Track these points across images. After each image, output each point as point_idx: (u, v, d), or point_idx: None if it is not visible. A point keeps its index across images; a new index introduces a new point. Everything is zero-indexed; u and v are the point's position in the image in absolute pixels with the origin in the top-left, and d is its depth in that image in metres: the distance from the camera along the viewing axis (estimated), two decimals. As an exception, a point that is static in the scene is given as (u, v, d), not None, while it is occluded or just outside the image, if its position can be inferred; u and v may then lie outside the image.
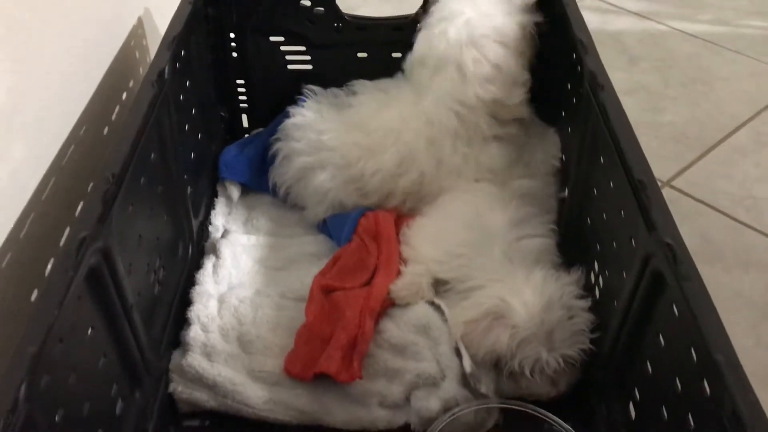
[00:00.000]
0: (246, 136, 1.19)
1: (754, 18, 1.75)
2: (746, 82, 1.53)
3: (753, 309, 1.04)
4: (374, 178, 1.02)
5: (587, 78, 0.86)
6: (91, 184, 0.69)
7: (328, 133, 1.04)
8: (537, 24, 0.99)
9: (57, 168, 0.84)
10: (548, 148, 1.04)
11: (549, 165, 1.03)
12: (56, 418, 0.58)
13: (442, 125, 0.99)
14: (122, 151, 0.73)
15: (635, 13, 1.78)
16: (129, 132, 0.75)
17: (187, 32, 0.95)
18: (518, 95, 0.99)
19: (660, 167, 1.29)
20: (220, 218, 1.07)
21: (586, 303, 0.84)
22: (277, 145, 1.08)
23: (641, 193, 0.69)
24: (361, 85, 1.10)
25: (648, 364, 0.69)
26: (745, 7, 1.80)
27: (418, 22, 1.06)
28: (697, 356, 0.58)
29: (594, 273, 0.87)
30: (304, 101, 1.09)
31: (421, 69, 1.01)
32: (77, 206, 0.88)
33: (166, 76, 0.85)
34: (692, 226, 1.17)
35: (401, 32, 1.09)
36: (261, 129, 1.17)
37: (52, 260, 0.82)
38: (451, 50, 0.96)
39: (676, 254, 0.62)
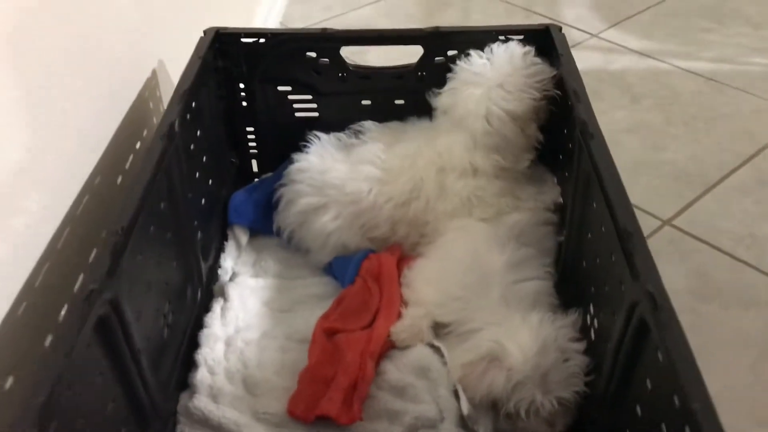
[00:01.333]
0: (255, 180, 1.23)
1: (757, 55, 1.78)
2: (748, 120, 1.55)
3: (752, 348, 1.05)
4: (387, 206, 1.07)
5: (578, 126, 0.89)
6: (103, 234, 0.73)
7: (332, 172, 1.09)
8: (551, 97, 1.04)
9: (72, 217, 0.88)
10: (545, 189, 1.07)
11: (544, 202, 1.06)
12: (65, 462, 0.61)
13: (453, 159, 1.06)
14: (131, 203, 0.77)
15: (638, 52, 1.81)
16: (139, 185, 0.80)
17: (197, 85, 0.99)
18: (525, 161, 1.06)
19: (661, 206, 1.31)
20: (229, 261, 1.11)
21: (581, 345, 0.86)
22: (281, 190, 1.13)
23: (627, 242, 0.71)
24: (369, 125, 1.15)
25: (637, 407, 0.71)
26: (748, 44, 1.83)
27: (420, 71, 1.12)
28: (679, 403, 0.60)
29: (590, 315, 0.89)
30: (309, 147, 1.13)
31: (444, 116, 1.08)
32: (91, 253, 0.92)
33: (176, 128, 0.90)
34: (692, 265, 1.19)
35: (402, 80, 1.14)
36: (270, 174, 1.21)
37: (65, 307, 0.85)
38: (469, 116, 1.03)
39: (656, 302, 0.64)
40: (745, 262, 1.19)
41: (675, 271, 1.15)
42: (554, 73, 1.03)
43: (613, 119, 1.53)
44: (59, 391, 0.59)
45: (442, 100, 1.08)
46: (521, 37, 1.09)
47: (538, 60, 1.04)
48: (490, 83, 1.02)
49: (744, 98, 1.62)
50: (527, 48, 1.04)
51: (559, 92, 1.02)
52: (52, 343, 0.63)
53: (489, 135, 1.03)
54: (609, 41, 1.86)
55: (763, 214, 1.29)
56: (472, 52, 1.05)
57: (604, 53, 1.81)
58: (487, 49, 1.05)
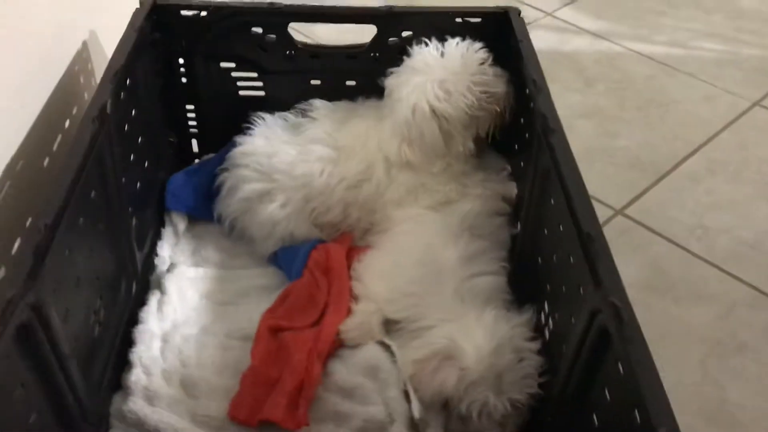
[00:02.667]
0: (196, 161, 1.16)
1: (708, 40, 1.78)
2: (700, 106, 1.55)
3: (701, 343, 1.05)
4: (339, 187, 1.02)
5: (539, 120, 0.85)
6: (23, 237, 0.66)
7: (280, 155, 1.03)
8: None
9: (-9, 205, 0.80)
10: (494, 177, 1.04)
11: (494, 190, 1.03)
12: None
13: (392, 154, 1.02)
14: (57, 197, 0.70)
15: (592, 33, 1.79)
16: (66, 176, 0.73)
17: (132, 61, 0.92)
18: (436, 167, 1.01)
19: (614, 195, 1.30)
20: (166, 249, 1.04)
21: (536, 345, 0.84)
22: (223, 175, 1.06)
23: (589, 247, 0.68)
24: (318, 103, 1.09)
25: (594, 416, 0.69)
26: (700, 29, 1.82)
27: (373, 52, 1.06)
28: (640, 419, 0.58)
29: (544, 313, 0.87)
30: (254, 129, 1.07)
31: (388, 98, 1.03)
32: (14, 243, 0.85)
33: (108, 110, 0.83)
34: (644, 256, 1.18)
35: (355, 60, 1.08)
36: (211, 155, 1.14)
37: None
38: (401, 102, 0.99)
39: (621, 316, 0.61)
40: (697, 255, 1.19)
41: (627, 262, 1.14)
42: (505, 90, 0.99)
43: (566, 103, 1.50)
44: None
45: (388, 81, 1.02)
46: (479, 19, 1.05)
47: (492, 71, 0.99)
48: (433, 77, 0.97)
49: (695, 84, 1.62)
50: (485, 55, 0.99)
51: (502, 109, 0.99)
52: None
53: (408, 125, 0.98)
54: (563, 20, 1.83)
55: (713, 204, 1.29)
56: (430, 41, 1.00)
57: (558, 33, 1.78)
58: (447, 43, 1.00)
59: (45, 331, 0.66)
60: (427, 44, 1.00)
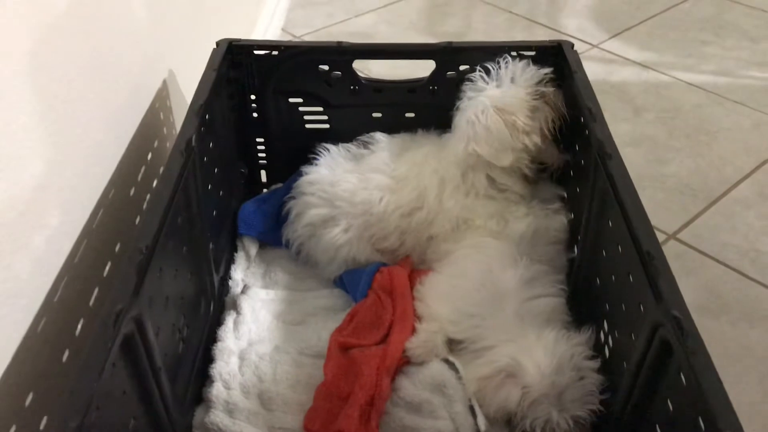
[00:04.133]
0: (264, 191, 1.23)
1: (756, 69, 1.80)
2: (749, 133, 1.57)
3: (760, 364, 1.06)
4: (395, 215, 1.07)
5: (595, 146, 0.89)
6: (126, 257, 0.73)
7: (342, 184, 1.09)
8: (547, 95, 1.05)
9: (88, 231, 0.87)
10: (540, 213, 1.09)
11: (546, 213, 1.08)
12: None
13: (448, 174, 1.07)
14: (154, 222, 0.77)
15: (639, 63, 1.82)
16: (160, 202, 0.79)
17: (211, 98, 0.99)
18: (506, 159, 1.04)
19: (665, 220, 1.32)
20: (239, 273, 1.10)
21: (596, 364, 0.86)
22: (290, 203, 1.13)
23: (649, 264, 0.72)
24: (379, 136, 1.15)
25: (657, 428, 0.72)
26: (747, 57, 1.85)
27: (432, 86, 1.12)
28: (705, 426, 0.61)
29: (603, 332, 0.90)
30: (319, 159, 1.13)
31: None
32: (104, 267, 0.92)
33: (193, 143, 0.90)
34: (698, 280, 1.20)
35: (414, 94, 1.14)
36: (279, 185, 1.21)
37: (81, 321, 0.85)
38: (463, 112, 1.05)
39: (683, 328, 0.65)
40: (751, 278, 1.20)
41: (681, 286, 1.14)
42: (547, 72, 1.05)
43: (616, 133, 1.51)
44: (90, 413, 0.59)
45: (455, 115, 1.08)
46: (533, 53, 1.10)
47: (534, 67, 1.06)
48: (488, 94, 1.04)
49: (744, 112, 1.64)
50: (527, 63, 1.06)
51: (555, 107, 1.04)
52: (80, 363, 0.62)
53: (472, 125, 1.03)
54: (610, 52, 1.88)
55: (766, 228, 1.31)
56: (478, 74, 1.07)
57: (605, 64, 1.82)
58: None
59: (144, 344, 0.72)
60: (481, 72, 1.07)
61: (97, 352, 0.63)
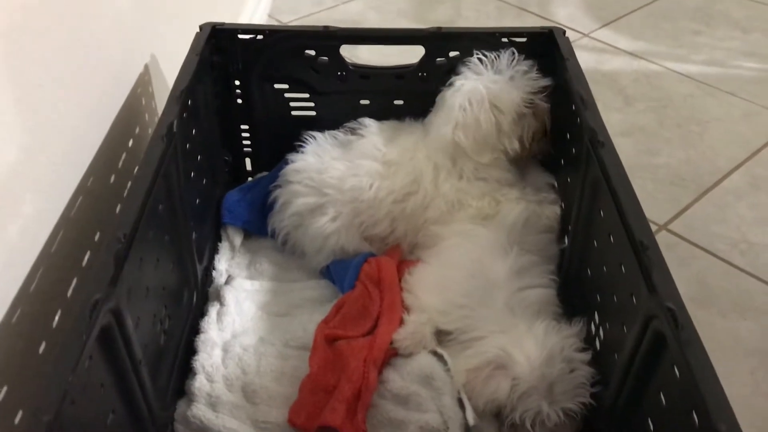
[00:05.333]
0: (249, 179, 1.20)
1: (747, 59, 1.79)
2: (740, 124, 1.56)
3: (750, 355, 1.05)
4: (387, 200, 1.05)
5: (587, 134, 0.87)
6: (104, 246, 0.70)
7: (330, 171, 1.07)
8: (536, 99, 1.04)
9: (66, 219, 0.85)
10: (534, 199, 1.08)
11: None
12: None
13: (439, 160, 1.06)
14: (133, 209, 0.74)
15: (630, 53, 1.81)
16: (140, 189, 0.77)
17: (193, 83, 0.96)
18: (486, 157, 1.05)
19: (656, 211, 1.31)
20: (223, 263, 1.08)
21: (587, 356, 0.85)
22: (276, 191, 1.10)
23: (642, 254, 0.70)
24: (368, 122, 1.13)
25: (649, 420, 0.70)
26: (738, 47, 1.84)
27: (421, 72, 1.10)
28: (699, 421, 0.59)
29: (594, 324, 0.88)
30: (305, 147, 1.11)
31: (439, 103, 1.08)
32: (83, 257, 0.89)
33: (174, 129, 0.87)
34: (689, 271, 1.19)
35: (403, 81, 1.12)
36: (264, 173, 1.18)
37: (59, 312, 0.83)
38: (458, 92, 1.03)
39: (677, 319, 0.63)
40: (741, 269, 1.19)
41: (673, 277, 1.15)
42: (547, 84, 1.04)
43: (607, 122, 1.50)
44: (65, 407, 0.57)
45: (442, 92, 1.07)
46: (524, 39, 1.08)
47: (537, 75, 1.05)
48: (484, 78, 1.03)
49: (735, 102, 1.63)
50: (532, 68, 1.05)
51: (542, 122, 1.04)
52: (55, 356, 0.60)
53: (463, 111, 1.02)
54: (601, 41, 1.86)
55: (757, 219, 1.30)
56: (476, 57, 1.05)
57: (597, 53, 1.80)
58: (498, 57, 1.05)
59: (122, 336, 0.69)
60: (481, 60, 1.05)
61: (72, 344, 0.61)
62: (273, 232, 1.11)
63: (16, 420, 0.73)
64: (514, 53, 1.04)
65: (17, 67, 0.74)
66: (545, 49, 1.07)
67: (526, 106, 1.03)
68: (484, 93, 1.01)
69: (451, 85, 1.05)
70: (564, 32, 1.07)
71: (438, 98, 1.07)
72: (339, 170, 1.07)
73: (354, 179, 1.06)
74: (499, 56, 1.04)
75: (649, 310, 0.68)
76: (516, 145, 1.04)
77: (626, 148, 1.47)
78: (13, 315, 0.73)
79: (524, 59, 1.05)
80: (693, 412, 0.60)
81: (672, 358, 0.64)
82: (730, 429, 0.55)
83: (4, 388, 0.72)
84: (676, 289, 0.67)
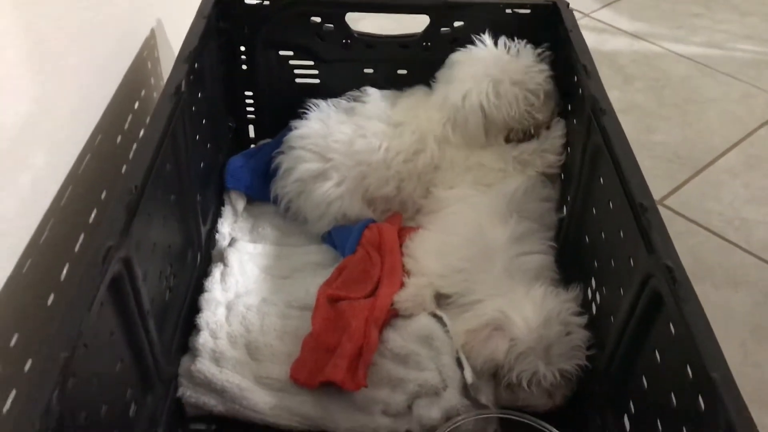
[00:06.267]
0: (252, 146, 1.22)
1: (745, 42, 1.80)
2: (737, 105, 1.58)
3: (741, 327, 1.08)
4: (397, 160, 1.07)
5: (589, 102, 0.89)
6: (116, 197, 0.71)
7: (336, 135, 1.08)
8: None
9: (74, 176, 0.86)
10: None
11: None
12: (81, 419, 0.60)
13: (436, 124, 1.08)
14: (143, 163, 0.75)
15: (630, 34, 1.82)
16: (149, 145, 0.78)
17: (201, 46, 0.97)
18: (474, 152, 1.07)
19: (653, 186, 1.29)
20: (226, 226, 1.09)
21: (583, 320, 0.87)
22: (280, 158, 1.11)
23: (642, 216, 0.72)
24: (371, 90, 1.14)
25: (643, 378, 0.73)
26: (736, 30, 1.85)
27: (425, 42, 1.11)
28: (692, 373, 0.61)
29: (591, 289, 0.90)
30: (309, 114, 1.12)
31: (447, 68, 1.09)
32: (90, 213, 0.91)
33: (182, 89, 0.88)
34: (684, 245, 1.21)
35: (407, 50, 1.13)
36: (267, 140, 1.19)
37: (67, 266, 0.84)
38: (456, 84, 1.05)
39: (675, 276, 0.65)
40: (735, 244, 1.21)
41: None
42: (545, 117, 1.06)
43: (606, 99, 1.54)
44: (78, 349, 0.59)
45: (454, 54, 1.09)
46: (528, 11, 1.09)
47: (545, 91, 1.05)
48: (492, 72, 1.03)
49: (732, 83, 1.65)
50: (544, 65, 1.05)
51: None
52: (69, 302, 0.62)
53: (455, 109, 1.04)
54: (602, 21, 1.87)
55: (751, 197, 1.32)
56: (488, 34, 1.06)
57: (597, 33, 1.82)
58: (520, 44, 1.06)
59: (131, 285, 0.71)
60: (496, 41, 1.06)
61: (85, 289, 0.62)
62: (276, 198, 1.12)
63: (26, 367, 0.75)
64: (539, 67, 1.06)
65: (29, 19, 0.75)
66: (549, 21, 1.08)
67: (526, 108, 1.04)
68: (476, 99, 1.03)
69: (465, 52, 1.07)
70: (567, 5, 1.08)
71: (452, 57, 1.08)
72: (346, 134, 1.08)
73: (363, 141, 1.07)
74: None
75: (647, 269, 0.70)
76: (502, 141, 1.06)
77: (624, 126, 1.45)
78: (24, 265, 0.75)
79: (528, 32, 1.07)
80: (687, 365, 0.62)
81: (669, 315, 0.66)
82: (724, 377, 0.57)
83: (15, 335, 0.73)
84: (674, 249, 0.69)
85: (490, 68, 1.03)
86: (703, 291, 1.13)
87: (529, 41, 1.06)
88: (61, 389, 0.55)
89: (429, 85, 1.12)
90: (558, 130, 1.06)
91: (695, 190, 1.33)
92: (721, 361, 0.58)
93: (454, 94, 1.04)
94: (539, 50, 1.05)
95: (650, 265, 0.69)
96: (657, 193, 1.32)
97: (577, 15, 1.86)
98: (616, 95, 1.58)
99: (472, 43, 1.06)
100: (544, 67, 1.05)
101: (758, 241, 1.22)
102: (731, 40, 1.81)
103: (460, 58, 1.07)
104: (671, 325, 0.66)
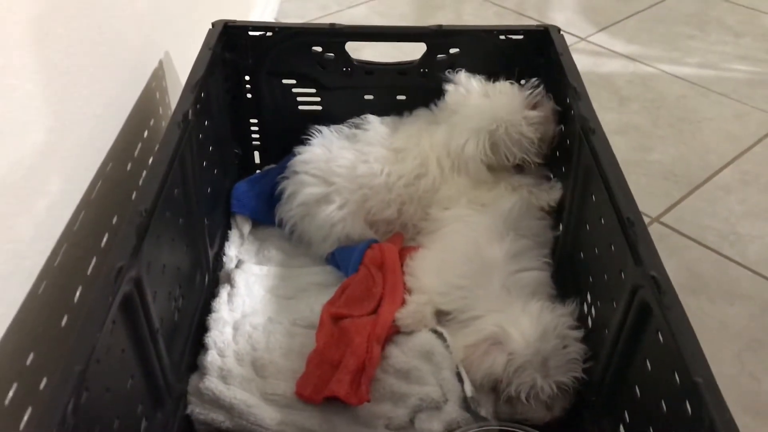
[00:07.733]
0: (257, 171, 1.26)
1: (739, 62, 1.84)
2: (731, 123, 1.61)
3: (737, 339, 1.10)
4: (398, 184, 1.10)
5: (579, 122, 0.93)
6: (126, 220, 0.75)
7: (338, 160, 1.12)
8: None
9: (87, 201, 0.90)
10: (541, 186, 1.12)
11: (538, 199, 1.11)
12: (95, 433, 0.63)
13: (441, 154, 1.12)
14: (152, 188, 0.79)
15: (625, 56, 1.86)
16: (158, 170, 0.82)
17: (207, 76, 1.02)
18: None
19: (649, 204, 1.36)
20: (233, 249, 1.13)
21: (579, 333, 0.90)
22: (284, 183, 1.15)
23: (629, 229, 0.75)
24: (371, 118, 1.18)
25: (636, 388, 0.75)
26: (730, 51, 1.89)
27: (422, 68, 1.15)
28: (679, 379, 0.64)
29: (587, 304, 0.93)
30: (312, 140, 1.16)
31: (445, 106, 1.14)
32: (102, 237, 0.95)
33: (189, 117, 0.92)
34: (680, 260, 1.24)
35: (405, 76, 1.17)
36: (272, 165, 1.23)
37: (80, 288, 0.87)
38: (457, 131, 1.10)
39: (660, 286, 0.68)
40: (730, 258, 1.24)
41: (664, 266, 1.20)
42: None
43: (602, 121, 1.55)
44: (92, 363, 0.62)
45: (450, 92, 1.12)
46: (521, 36, 1.13)
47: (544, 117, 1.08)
48: (490, 118, 1.06)
49: (727, 103, 1.68)
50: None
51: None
52: (83, 319, 0.65)
53: (457, 154, 1.09)
54: (597, 45, 1.91)
55: (745, 212, 1.34)
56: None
57: (593, 56, 1.86)
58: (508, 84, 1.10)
59: (142, 304, 0.74)
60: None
61: (98, 307, 0.65)
62: (280, 221, 1.16)
63: (41, 386, 0.78)
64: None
65: (46, 54, 0.80)
66: (541, 47, 1.12)
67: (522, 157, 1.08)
68: (474, 153, 1.07)
69: (465, 97, 1.11)
70: (559, 30, 1.12)
71: (449, 93, 1.12)
72: (348, 159, 1.12)
73: (365, 165, 1.11)
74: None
75: (635, 280, 0.72)
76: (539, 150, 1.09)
77: (620, 146, 1.52)
78: (39, 286, 0.78)
79: (522, 57, 1.11)
80: (675, 372, 0.65)
81: (656, 323, 0.69)
82: (706, 381, 0.59)
83: (31, 355, 0.77)
84: (660, 260, 0.72)
85: (485, 119, 1.07)
86: (700, 305, 1.16)
87: (523, 65, 1.10)
88: (76, 402, 0.58)
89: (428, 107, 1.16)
90: (555, 192, 1.09)
91: (691, 207, 1.36)
92: (704, 366, 0.61)
93: (455, 139, 1.09)
94: (531, 82, 1.09)
95: (638, 276, 0.72)
96: (654, 210, 1.35)
97: (573, 39, 1.93)
98: (612, 116, 1.62)
99: (469, 69, 1.11)
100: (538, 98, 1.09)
101: (753, 256, 1.24)
102: (725, 60, 1.85)
103: (456, 101, 1.11)
104: (659, 333, 0.68)
